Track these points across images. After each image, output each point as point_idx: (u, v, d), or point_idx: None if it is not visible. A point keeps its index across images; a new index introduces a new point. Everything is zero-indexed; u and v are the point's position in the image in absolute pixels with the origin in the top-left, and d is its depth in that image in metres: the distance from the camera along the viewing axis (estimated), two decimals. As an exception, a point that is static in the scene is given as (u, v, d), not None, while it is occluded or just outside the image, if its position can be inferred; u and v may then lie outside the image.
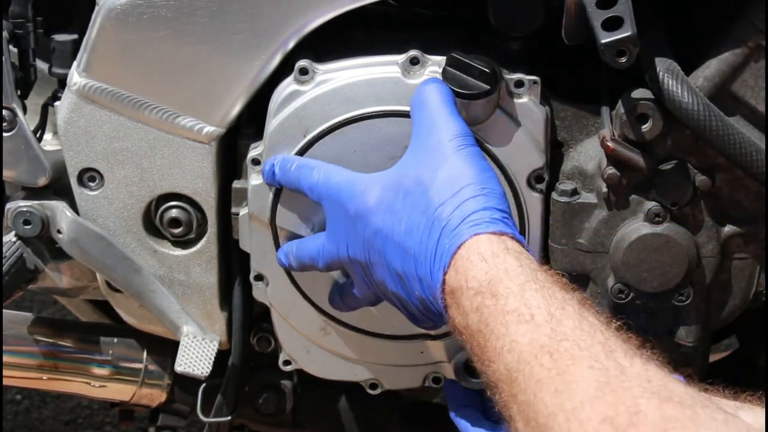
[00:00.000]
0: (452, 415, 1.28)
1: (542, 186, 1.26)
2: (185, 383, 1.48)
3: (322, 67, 1.25)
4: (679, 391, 0.82)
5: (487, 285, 0.99)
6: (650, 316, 1.34)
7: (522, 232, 1.26)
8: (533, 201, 1.26)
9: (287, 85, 1.25)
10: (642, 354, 0.88)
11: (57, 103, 1.32)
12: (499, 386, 0.94)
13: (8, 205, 1.35)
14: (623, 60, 1.13)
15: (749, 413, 1.01)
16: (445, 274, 1.04)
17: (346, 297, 1.27)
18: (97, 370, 1.47)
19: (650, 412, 0.79)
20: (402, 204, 1.11)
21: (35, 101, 1.41)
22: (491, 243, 1.03)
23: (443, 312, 1.05)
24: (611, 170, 1.25)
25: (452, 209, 1.07)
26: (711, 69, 1.24)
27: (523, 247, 1.05)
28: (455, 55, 1.19)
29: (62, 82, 1.34)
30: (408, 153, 1.16)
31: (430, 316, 1.12)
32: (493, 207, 1.07)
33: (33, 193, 1.37)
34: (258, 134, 1.29)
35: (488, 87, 1.20)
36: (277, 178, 1.24)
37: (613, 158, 1.24)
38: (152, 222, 1.35)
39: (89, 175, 1.33)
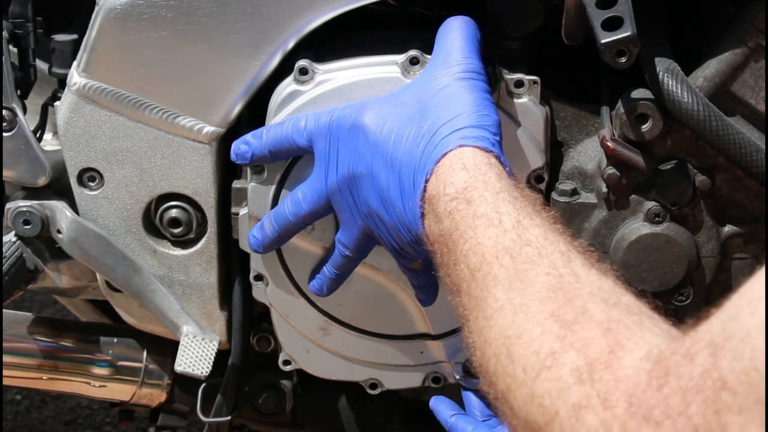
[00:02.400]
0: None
1: (542, 186, 1.26)
2: (185, 383, 1.48)
3: (321, 67, 1.25)
4: (628, 300, 0.83)
5: (463, 191, 1.00)
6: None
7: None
8: (533, 201, 1.26)
9: (287, 85, 1.25)
10: (599, 267, 0.89)
11: (57, 103, 1.32)
12: (460, 287, 0.95)
13: (8, 205, 1.35)
14: (623, 60, 1.13)
15: None
16: (426, 181, 1.04)
17: (333, 261, 1.25)
18: (97, 370, 1.47)
19: (596, 313, 0.80)
20: (396, 116, 1.12)
21: (35, 101, 1.41)
22: (475, 155, 1.04)
23: (420, 222, 1.05)
24: (611, 170, 1.25)
25: (443, 122, 1.07)
26: (711, 69, 1.24)
27: (506, 170, 1.05)
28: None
29: (62, 82, 1.34)
30: (416, 78, 1.18)
31: (408, 240, 1.11)
32: (485, 127, 1.07)
33: (33, 193, 1.37)
34: (258, 134, 1.29)
35: (489, 87, 1.20)
36: (255, 147, 1.23)
37: (613, 158, 1.24)
38: (152, 222, 1.35)
39: (89, 175, 1.33)
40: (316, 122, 1.19)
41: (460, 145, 1.05)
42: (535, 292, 0.85)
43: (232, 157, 1.25)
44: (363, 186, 1.14)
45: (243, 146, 1.23)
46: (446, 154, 1.04)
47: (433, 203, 1.03)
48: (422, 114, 1.10)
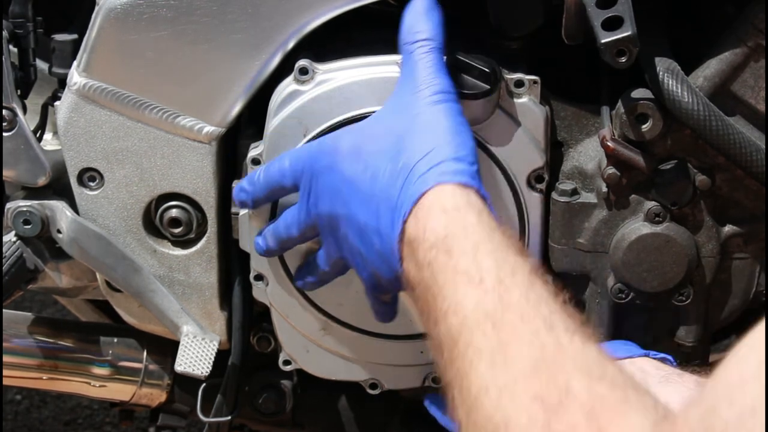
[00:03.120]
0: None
1: (542, 186, 1.26)
2: (185, 383, 1.48)
3: (322, 67, 1.25)
4: (613, 372, 0.81)
5: (443, 240, 0.97)
6: (650, 316, 1.34)
7: (522, 232, 1.26)
8: (533, 201, 1.26)
9: (287, 85, 1.25)
10: (583, 331, 0.87)
11: (57, 103, 1.32)
12: (441, 349, 0.93)
13: (8, 205, 1.35)
14: (623, 60, 1.13)
15: (676, 387, 1.01)
16: (405, 222, 1.02)
17: (312, 270, 1.26)
18: (97, 370, 1.47)
19: (580, 392, 0.79)
20: (371, 151, 1.10)
21: (35, 101, 1.41)
22: (455, 195, 1.01)
23: (398, 264, 1.04)
24: (611, 170, 1.25)
25: (420, 157, 1.05)
26: (711, 69, 1.24)
27: (486, 204, 1.03)
28: (455, 55, 1.19)
29: (62, 82, 1.34)
30: (386, 104, 1.15)
31: (388, 276, 1.09)
32: (463, 159, 1.05)
33: (33, 192, 1.37)
34: (258, 134, 1.29)
35: (488, 87, 1.20)
36: (252, 193, 1.23)
37: (613, 158, 1.24)
38: (152, 222, 1.35)
39: (89, 175, 1.33)
40: (296, 161, 1.18)
41: (439, 183, 1.02)
42: (519, 370, 0.84)
43: (237, 204, 1.27)
44: (342, 224, 1.13)
45: (242, 194, 1.24)
46: (425, 193, 1.02)
47: (413, 247, 1.01)
48: (397, 147, 1.08)
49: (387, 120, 1.12)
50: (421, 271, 0.99)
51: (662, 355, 1.14)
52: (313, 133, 1.24)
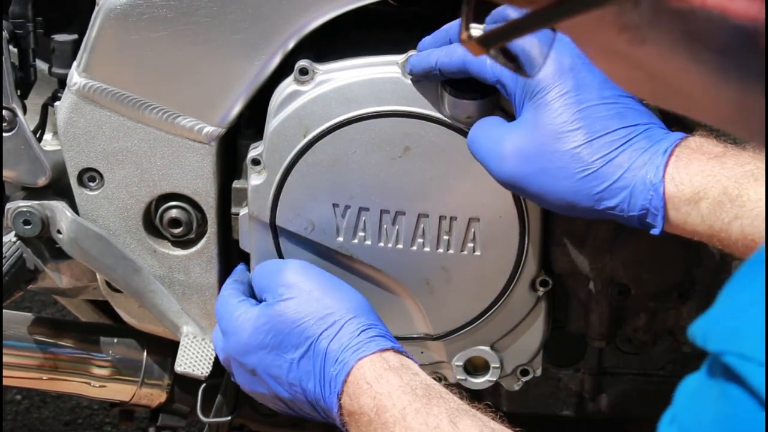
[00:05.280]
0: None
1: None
2: (185, 383, 1.48)
3: (322, 67, 1.25)
4: None
5: (376, 413, 1.09)
6: (650, 316, 1.34)
7: (522, 233, 1.26)
8: (533, 201, 1.26)
9: (287, 85, 1.25)
10: None
11: (57, 103, 1.31)
12: None
13: (8, 205, 1.35)
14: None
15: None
16: (339, 398, 1.12)
17: None
18: (97, 370, 1.47)
19: None
20: (275, 342, 1.18)
21: (35, 101, 1.41)
22: (374, 365, 1.12)
23: (342, 428, 1.14)
24: (611, 170, 1.24)
25: (329, 340, 1.15)
26: (711, 69, 1.23)
27: (402, 354, 1.14)
28: (455, 55, 1.19)
29: (62, 82, 1.34)
30: (267, 300, 1.22)
31: (312, 417, 1.20)
32: (366, 326, 1.16)
33: (33, 193, 1.37)
34: (258, 134, 1.29)
35: (489, 88, 1.20)
36: None
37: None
38: (152, 222, 1.35)
39: (89, 175, 1.33)
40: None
41: (359, 359, 1.12)
42: None
43: None
44: (265, 393, 1.23)
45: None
46: (349, 372, 1.12)
47: (355, 419, 1.11)
48: (299, 334, 1.17)
49: (278, 307, 1.19)
50: None
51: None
52: (313, 134, 1.24)
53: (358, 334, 1.15)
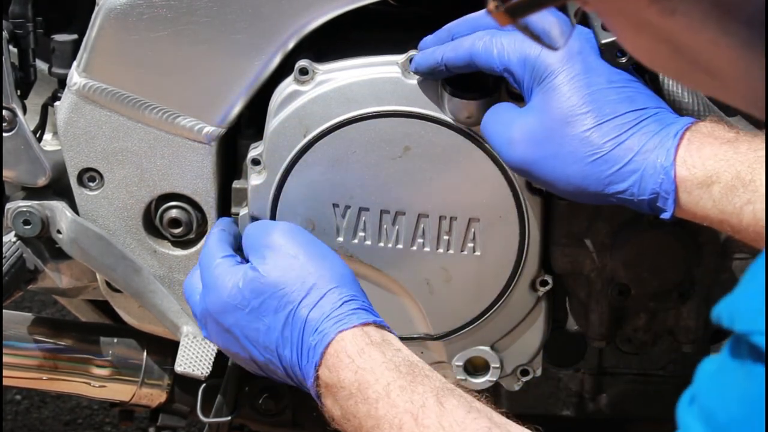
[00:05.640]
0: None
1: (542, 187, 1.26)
2: (185, 383, 1.48)
3: (322, 67, 1.25)
4: None
5: (357, 388, 1.07)
6: (650, 316, 1.34)
7: (522, 232, 1.26)
8: (533, 202, 1.26)
9: (287, 85, 1.25)
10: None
11: (57, 103, 1.31)
12: None
13: (8, 205, 1.35)
14: (623, 60, 1.13)
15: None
16: (317, 369, 1.10)
17: None
18: (97, 370, 1.47)
19: None
20: (255, 303, 1.15)
21: (35, 101, 1.41)
22: (355, 338, 1.09)
23: (318, 399, 1.12)
24: (611, 170, 1.24)
25: (309, 308, 1.12)
26: (711, 69, 1.23)
27: (384, 328, 1.12)
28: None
29: (62, 82, 1.34)
30: (252, 260, 1.19)
31: (286, 382, 1.18)
32: (349, 298, 1.13)
33: (33, 193, 1.37)
34: (258, 134, 1.29)
35: (488, 87, 1.20)
36: None
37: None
38: (152, 222, 1.35)
39: (89, 175, 1.33)
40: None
41: (339, 331, 1.10)
42: None
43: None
44: (240, 353, 1.20)
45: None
46: (329, 344, 1.10)
47: (333, 392, 1.09)
48: (280, 298, 1.14)
49: (260, 268, 1.16)
50: (348, 420, 1.08)
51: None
52: (314, 134, 1.24)
53: (340, 305, 1.12)
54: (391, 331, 1.13)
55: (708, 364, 0.62)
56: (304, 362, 1.12)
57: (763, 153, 1.04)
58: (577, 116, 1.10)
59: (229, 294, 1.16)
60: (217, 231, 1.25)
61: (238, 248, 1.24)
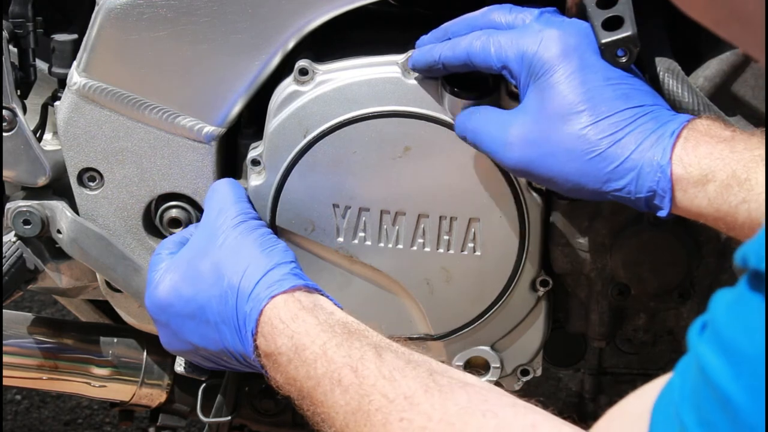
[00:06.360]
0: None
1: (544, 187, 1.26)
2: (185, 383, 1.48)
3: (322, 68, 1.25)
4: (462, 399, 0.94)
5: (294, 352, 1.07)
6: (650, 316, 1.34)
7: (522, 233, 1.26)
8: (533, 202, 1.26)
9: (287, 86, 1.25)
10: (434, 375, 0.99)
11: (57, 103, 1.31)
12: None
13: (8, 205, 1.35)
14: (623, 60, 1.13)
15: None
16: (254, 338, 1.11)
17: None
18: (97, 370, 1.47)
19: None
20: (191, 282, 1.17)
21: (35, 101, 1.41)
22: (287, 304, 1.11)
23: (262, 370, 1.12)
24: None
25: (240, 276, 1.14)
26: (711, 69, 1.23)
27: (317, 292, 1.13)
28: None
29: (62, 82, 1.34)
30: (195, 234, 1.23)
31: (236, 365, 1.19)
32: (278, 263, 1.15)
33: (33, 193, 1.37)
34: (258, 134, 1.29)
35: (488, 87, 1.20)
36: None
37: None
38: (152, 222, 1.35)
39: (89, 175, 1.33)
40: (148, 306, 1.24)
41: (270, 296, 1.11)
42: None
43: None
44: (180, 343, 1.23)
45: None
46: (262, 310, 1.11)
47: (273, 360, 1.10)
48: (215, 272, 1.16)
49: (199, 248, 1.20)
50: (291, 384, 1.09)
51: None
52: (314, 134, 1.24)
53: (268, 271, 1.13)
54: (324, 294, 1.14)
55: (724, 294, 0.62)
56: (243, 333, 1.12)
57: (759, 152, 1.05)
58: (573, 114, 1.10)
59: (165, 287, 1.20)
60: (169, 242, 1.27)
61: None
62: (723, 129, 1.09)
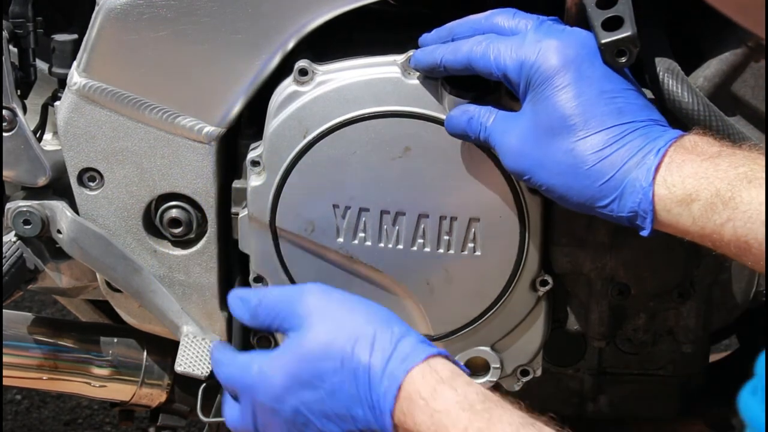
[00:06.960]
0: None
1: (542, 186, 1.26)
2: (185, 383, 1.48)
3: (321, 68, 1.25)
4: None
5: None
6: (650, 316, 1.34)
7: (522, 233, 1.26)
8: (534, 202, 1.26)
9: (287, 86, 1.25)
10: None
11: (57, 103, 1.32)
12: None
13: (8, 205, 1.35)
14: (623, 60, 1.13)
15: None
16: (392, 417, 1.06)
17: None
18: (97, 370, 1.47)
19: None
20: (310, 373, 1.10)
21: (35, 101, 1.41)
22: (425, 377, 1.06)
23: None
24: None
25: (368, 354, 1.08)
26: (711, 69, 1.23)
27: (449, 360, 1.08)
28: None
29: (62, 82, 1.34)
30: (290, 334, 1.14)
31: None
32: (403, 335, 1.09)
33: (33, 193, 1.37)
34: (258, 134, 1.29)
35: (488, 87, 1.20)
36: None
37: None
38: (152, 222, 1.35)
39: (89, 175, 1.33)
40: (230, 376, 1.17)
41: (407, 371, 1.06)
42: None
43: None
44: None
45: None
46: (401, 386, 1.06)
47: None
48: (334, 358, 1.09)
49: (303, 341, 1.12)
50: None
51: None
52: (313, 135, 1.24)
53: (398, 343, 1.08)
54: (455, 362, 1.10)
55: None
56: (378, 413, 1.07)
57: (743, 169, 1.05)
58: (564, 128, 1.11)
59: (281, 378, 1.11)
60: (218, 344, 1.22)
61: (243, 338, 1.25)
62: (710, 145, 1.09)
